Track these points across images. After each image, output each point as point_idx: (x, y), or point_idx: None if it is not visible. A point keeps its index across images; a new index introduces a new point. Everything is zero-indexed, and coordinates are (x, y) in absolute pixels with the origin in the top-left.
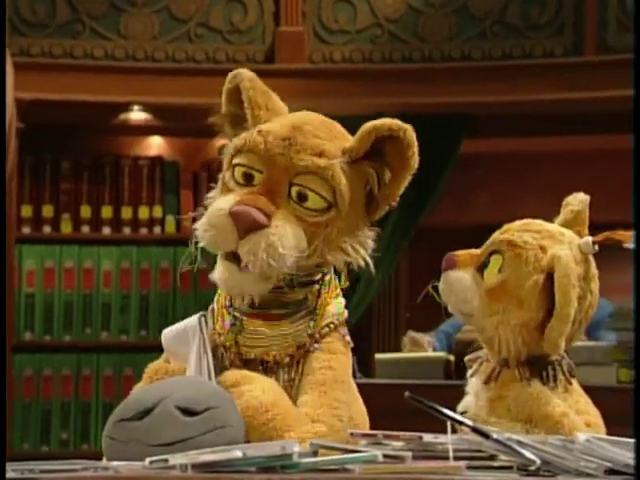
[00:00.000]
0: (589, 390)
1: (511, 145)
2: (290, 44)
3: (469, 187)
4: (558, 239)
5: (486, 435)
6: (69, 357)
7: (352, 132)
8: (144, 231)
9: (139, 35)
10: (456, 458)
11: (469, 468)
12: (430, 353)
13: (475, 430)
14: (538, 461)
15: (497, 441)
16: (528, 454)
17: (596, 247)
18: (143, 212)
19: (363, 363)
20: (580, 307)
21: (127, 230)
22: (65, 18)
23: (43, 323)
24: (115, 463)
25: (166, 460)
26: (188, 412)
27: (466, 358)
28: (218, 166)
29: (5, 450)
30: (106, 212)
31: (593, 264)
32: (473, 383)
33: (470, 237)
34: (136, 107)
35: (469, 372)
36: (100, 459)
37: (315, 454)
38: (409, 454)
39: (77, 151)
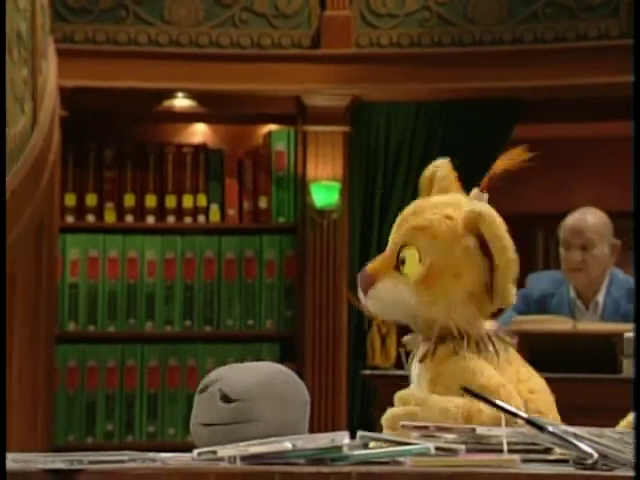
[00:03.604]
0: None
1: (565, 131)
2: (336, 28)
3: (520, 175)
4: (457, 202)
5: (541, 427)
6: (113, 348)
7: (398, 119)
8: (188, 220)
9: (183, 20)
10: (510, 451)
11: (524, 461)
12: None
13: (530, 422)
14: (595, 454)
15: (553, 434)
16: (585, 447)
17: (486, 194)
18: (187, 201)
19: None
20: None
21: (171, 219)
22: (109, 4)
23: (87, 314)
24: (164, 455)
25: (214, 452)
26: (226, 399)
27: (404, 340)
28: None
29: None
30: (150, 201)
31: None
32: (413, 369)
33: (522, 227)
34: (180, 94)
35: (409, 359)
36: (144, 451)
37: (365, 446)
38: (462, 447)
39: (121, 139)
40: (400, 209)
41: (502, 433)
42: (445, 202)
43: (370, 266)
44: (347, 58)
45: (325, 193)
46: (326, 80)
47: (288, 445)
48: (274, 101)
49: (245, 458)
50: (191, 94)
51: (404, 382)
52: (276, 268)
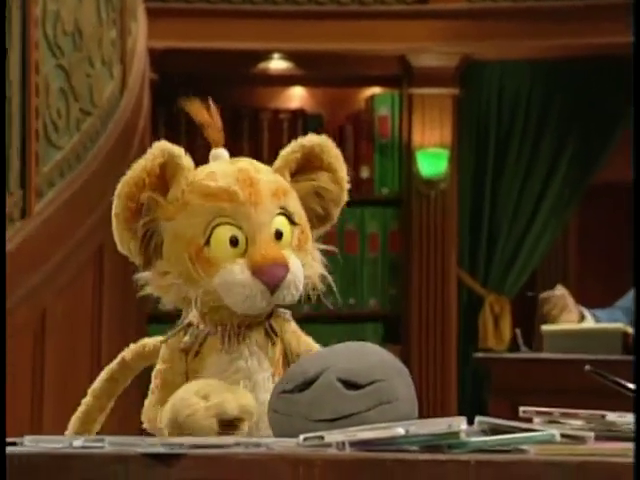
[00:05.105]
0: None
1: None
2: None
3: None
4: (245, 160)
5: None
6: None
7: (513, 80)
8: None
9: None
10: None
11: None
12: (605, 324)
13: None
14: None
15: None
16: None
17: (225, 151)
18: None
19: (528, 336)
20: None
21: None
22: None
23: None
24: (268, 439)
25: (322, 437)
26: (351, 385)
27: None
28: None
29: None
30: None
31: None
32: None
33: None
34: (276, 55)
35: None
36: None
37: (484, 433)
38: (591, 434)
39: (214, 104)
40: (514, 178)
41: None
42: (245, 165)
43: (271, 255)
44: (457, 13)
45: (432, 161)
46: (434, 38)
47: (400, 430)
48: (377, 62)
49: (354, 444)
50: (288, 55)
51: (521, 365)
52: (379, 243)
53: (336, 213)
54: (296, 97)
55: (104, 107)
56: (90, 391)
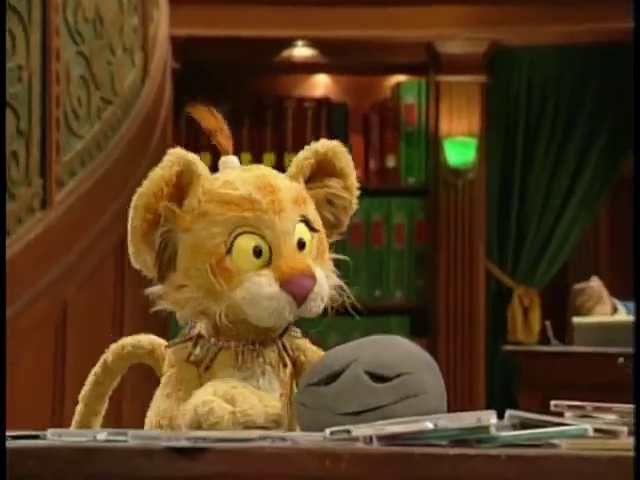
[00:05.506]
0: None
1: None
2: None
3: None
4: (281, 177)
5: None
6: None
7: (543, 66)
8: None
9: None
10: None
11: None
12: None
13: None
14: None
15: None
16: None
17: (235, 157)
18: None
19: (558, 328)
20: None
21: None
22: None
23: None
24: (294, 434)
25: (349, 431)
26: (378, 378)
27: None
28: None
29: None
30: (268, 159)
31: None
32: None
33: None
34: (300, 42)
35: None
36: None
37: (514, 427)
38: (624, 429)
39: (236, 93)
40: (544, 167)
41: None
42: (262, 171)
43: (299, 266)
44: None
45: (460, 150)
46: (461, 24)
47: (429, 425)
48: (403, 49)
49: (382, 438)
50: (312, 42)
51: (551, 359)
52: (405, 233)
53: (346, 221)
54: (320, 85)
55: (125, 95)
56: (80, 398)
